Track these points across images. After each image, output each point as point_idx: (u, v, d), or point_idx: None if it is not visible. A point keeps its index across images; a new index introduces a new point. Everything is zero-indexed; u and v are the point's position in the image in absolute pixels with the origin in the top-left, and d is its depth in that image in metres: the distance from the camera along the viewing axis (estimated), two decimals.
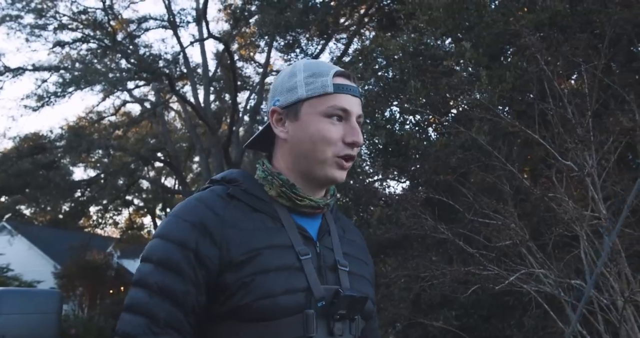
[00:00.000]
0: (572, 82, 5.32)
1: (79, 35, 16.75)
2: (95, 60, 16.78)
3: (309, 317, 1.23)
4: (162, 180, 26.58)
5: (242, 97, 19.33)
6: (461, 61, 5.74)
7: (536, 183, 4.73)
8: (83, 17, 16.47)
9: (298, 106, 1.35)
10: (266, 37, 13.92)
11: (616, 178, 4.23)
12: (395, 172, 6.98)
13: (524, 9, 5.21)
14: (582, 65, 4.44)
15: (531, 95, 4.86)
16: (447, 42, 6.43)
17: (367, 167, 7.14)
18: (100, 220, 24.47)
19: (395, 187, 10.08)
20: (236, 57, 17.42)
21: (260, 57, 18.81)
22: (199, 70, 18.57)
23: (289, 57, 13.55)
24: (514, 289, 4.37)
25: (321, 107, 1.33)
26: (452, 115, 6.48)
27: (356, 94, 1.37)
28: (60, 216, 25.30)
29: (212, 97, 19.04)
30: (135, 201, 27.10)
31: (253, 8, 14.47)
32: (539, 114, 4.56)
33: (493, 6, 5.94)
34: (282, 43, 14.00)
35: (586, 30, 4.81)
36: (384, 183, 7.52)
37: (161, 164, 23.76)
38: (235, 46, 17.86)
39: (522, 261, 4.39)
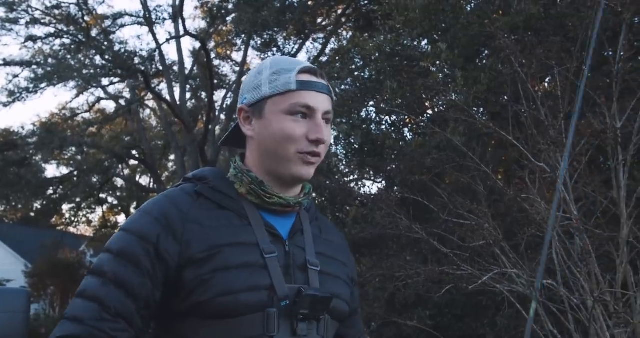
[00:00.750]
0: (546, 84, 5.39)
1: (52, 30, 16.52)
2: (69, 56, 16.52)
3: (270, 316, 1.22)
4: (137, 178, 26.33)
5: (218, 95, 19.21)
6: (437, 62, 5.79)
7: (510, 184, 4.79)
8: (56, 11, 16.25)
9: (262, 104, 1.34)
10: (243, 36, 13.89)
11: (587, 180, 4.30)
12: (371, 172, 7.01)
13: (499, 11, 5.27)
14: (555, 68, 4.50)
15: (505, 97, 4.92)
16: (423, 43, 6.48)
17: (342, 167, 7.16)
18: (73, 218, 24.35)
19: (371, 187, 10.10)
20: (213, 55, 17.30)
21: (237, 56, 18.71)
22: (175, 68, 18.40)
23: (266, 55, 13.56)
24: (487, 289, 4.42)
25: (284, 104, 1.32)
26: (428, 115, 6.52)
27: (322, 90, 1.35)
28: (32, 214, 25.12)
29: (188, 95, 18.92)
30: (110, 199, 26.75)
31: (230, 6, 14.49)
32: (513, 115, 4.62)
33: (469, 8, 6.00)
34: (259, 42, 13.98)
35: (559, 33, 4.88)
36: (360, 183, 7.56)
37: (136, 162, 23.56)
38: (212, 44, 17.74)
39: (496, 261, 4.43)
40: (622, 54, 4.30)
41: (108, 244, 1.28)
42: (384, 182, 7.03)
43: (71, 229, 25.70)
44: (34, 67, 16.80)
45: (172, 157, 22.33)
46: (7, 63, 16.67)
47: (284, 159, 1.33)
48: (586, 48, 3.66)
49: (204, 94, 19.76)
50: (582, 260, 3.97)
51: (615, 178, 4.21)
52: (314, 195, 7.74)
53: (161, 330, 1.29)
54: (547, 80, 5.50)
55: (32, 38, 16.26)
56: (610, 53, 4.84)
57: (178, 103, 17.30)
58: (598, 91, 4.46)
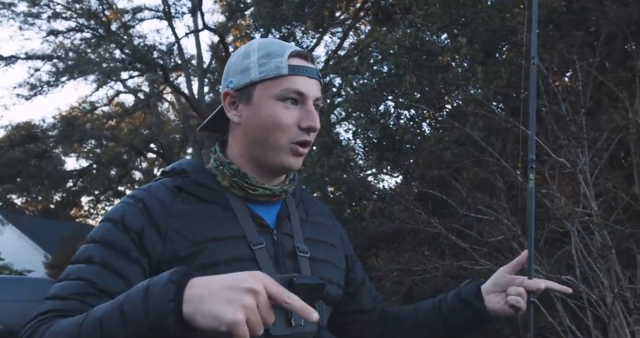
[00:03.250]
0: (567, 79, 5.35)
1: (72, 24, 16.58)
2: (89, 50, 16.53)
3: None
4: (155, 171, 26.44)
5: None
6: (457, 57, 5.75)
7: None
8: (77, 6, 16.30)
9: (251, 89, 1.28)
10: (261, 30, 13.87)
11: (608, 175, 4.27)
12: (389, 167, 7.01)
13: (520, 5, 5.23)
14: (576, 63, 4.46)
15: (526, 92, 4.88)
16: (443, 37, 6.43)
17: (360, 161, 7.17)
18: (91, 211, 24.61)
19: (389, 181, 10.11)
20: (231, 49, 17.31)
21: None
22: (194, 62, 18.42)
23: None
24: None
25: (275, 90, 1.26)
26: (447, 110, 6.49)
27: (313, 75, 1.29)
28: (52, 206, 25.32)
29: (206, 89, 18.94)
30: (128, 192, 26.91)
31: (249, 0, 14.47)
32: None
33: (489, 2, 5.96)
34: (278, 36, 13.98)
35: (582, 27, 4.84)
36: (378, 177, 7.56)
37: (154, 155, 23.66)
38: (230, 38, 17.72)
39: (514, 256, 4.41)
40: None
41: (91, 235, 1.22)
42: (401, 176, 7.02)
43: (90, 221, 25.85)
44: (55, 60, 16.87)
45: (189, 150, 22.40)
46: (29, 57, 16.73)
47: (274, 148, 1.27)
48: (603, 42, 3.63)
49: (221, 88, 19.82)
50: (602, 256, 3.95)
51: (636, 173, 4.17)
52: (331, 189, 7.77)
53: None
54: (568, 74, 5.45)
55: (53, 32, 16.31)
56: (634, 47, 4.78)
57: (196, 97, 17.31)
58: (620, 86, 4.42)
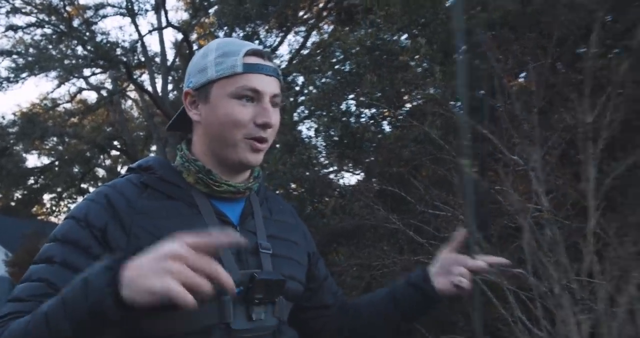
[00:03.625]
0: (520, 80, 5.49)
1: (33, 19, 16.16)
2: (50, 46, 16.13)
3: (225, 304, 1.19)
4: (119, 168, 26.01)
5: None
6: (416, 57, 5.85)
7: (484, 176, 4.87)
8: (37, 1, 15.90)
9: (208, 88, 1.29)
10: (225, 28, 13.78)
11: (558, 173, 4.39)
12: (350, 164, 7.08)
13: (478, 7, 5.34)
14: (530, 64, 4.59)
15: (482, 92, 5.00)
16: (403, 37, 6.52)
17: (322, 159, 7.21)
18: (54, 208, 23.98)
19: (350, 178, 10.19)
20: (195, 47, 17.11)
21: None
22: (157, 60, 18.12)
23: None
24: None
25: (230, 88, 1.27)
26: (406, 109, 6.60)
27: (270, 73, 1.30)
28: (13, 203, 24.64)
29: (170, 87, 18.67)
30: (91, 189, 26.46)
31: None
32: (488, 110, 4.70)
33: (448, 3, 6.07)
34: (241, 34, 13.93)
35: (535, 30, 4.96)
36: (339, 175, 7.62)
37: (117, 153, 23.16)
38: (194, 36, 17.50)
39: (469, 251, 4.50)
40: (593, 51, 4.40)
41: (54, 233, 1.22)
42: (362, 173, 7.11)
43: (52, 219, 25.25)
44: (15, 56, 16.36)
45: (153, 147, 22.07)
46: None
47: (231, 144, 1.29)
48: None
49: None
50: (551, 250, 4.07)
51: (585, 171, 4.30)
52: (293, 186, 7.77)
53: (120, 327, 1.15)
54: (522, 75, 5.59)
55: (12, 27, 15.85)
56: (583, 50, 4.94)
57: (160, 94, 17.02)
58: (570, 87, 4.56)
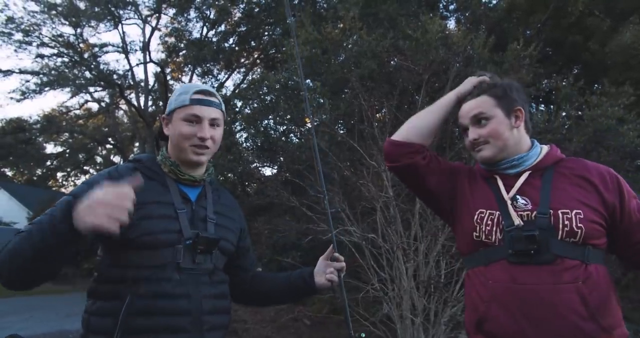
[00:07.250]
0: (379, 114, 5.63)
1: (55, 51, 15.63)
2: (67, 70, 15.78)
3: (178, 250, 1.23)
4: (111, 157, 25.32)
5: None
6: (314, 94, 5.84)
7: (354, 174, 4.95)
8: (60, 39, 15.38)
9: (172, 114, 1.36)
10: (189, 66, 13.55)
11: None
12: (267, 161, 6.97)
13: (354, 65, 5.41)
14: (385, 103, 4.70)
15: (355, 119, 5.07)
16: (307, 80, 6.50)
17: (250, 157, 7.06)
18: (64, 183, 23.91)
19: (266, 171, 10.06)
20: (169, 77, 16.76)
21: (186, 79, 18.12)
22: (142, 84, 17.73)
23: (205, 80, 13.69)
24: (336, 239, 4.51)
25: (182, 114, 1.33)
26: (307, 127, 6.57)
27: (209, 104, 1.34)
28: (34, 178, 23.97)
29: (150, 103, 18.25)
30: (91, 171, 25.85)
31: (182, 45, 14.32)
32: (358, 131, 4.78)
33: (339, 60, 6.11)
34: (201, 70, 13.86)
35: (389, 82, 5.10)
36: (260, 168, 7.48)
37: (110, 146, 22.93)
38: (168, 70, 17.19)
39: (342, 222, 4.57)
40: (423, 98, 4.56)
41: (69, 192, 1.24)
42: (275, 168, 7.03)
43: (63, 190, 24.02)
44: (41, 76, 15.95)
45: (137, 144, 21.60)
46: (22, 72, 15.79)
47: (182, 150, 1.34)
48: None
49: (161, 103, 19.13)
50: (392, 223, 4.19)
51: None
52: (229, 175, 7.47)
53: (107, 258, 1.23)
54: (382, 111, 5.73)
55: (40, 56, 15.46)
56: (417, 97, 5.11)
57: (142, 108, 16.65)
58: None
